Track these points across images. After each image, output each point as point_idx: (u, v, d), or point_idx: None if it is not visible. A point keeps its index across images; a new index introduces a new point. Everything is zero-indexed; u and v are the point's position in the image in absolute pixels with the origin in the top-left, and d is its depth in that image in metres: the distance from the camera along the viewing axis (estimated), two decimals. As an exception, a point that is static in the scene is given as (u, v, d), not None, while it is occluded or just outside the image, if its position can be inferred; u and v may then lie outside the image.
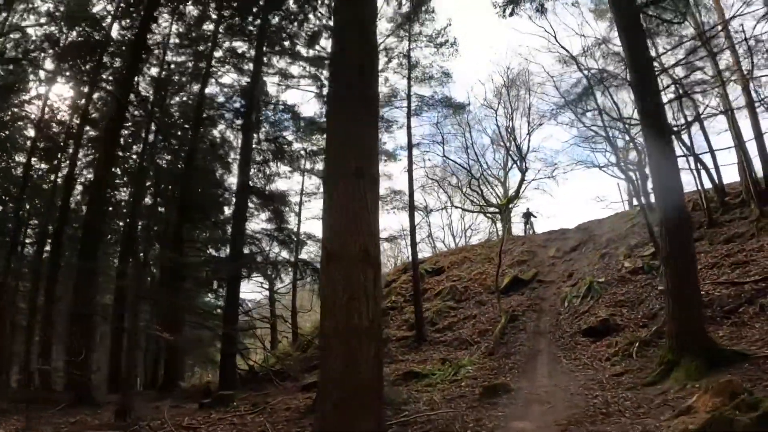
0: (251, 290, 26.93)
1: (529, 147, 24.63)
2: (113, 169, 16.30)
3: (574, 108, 13.12)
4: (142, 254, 16.00)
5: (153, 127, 16.22)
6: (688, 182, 15.75)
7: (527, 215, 21.50)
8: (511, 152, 24.40)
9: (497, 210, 23.97)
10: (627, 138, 14.13)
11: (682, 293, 6.88)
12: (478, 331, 12.50)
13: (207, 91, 16.43)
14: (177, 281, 14.67)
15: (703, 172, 13.54)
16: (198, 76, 16.30)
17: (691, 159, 13.58)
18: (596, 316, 10.67)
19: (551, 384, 7.49)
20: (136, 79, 13.88)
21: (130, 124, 15.59)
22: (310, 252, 19.58)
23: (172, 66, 16.98)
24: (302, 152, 18.98)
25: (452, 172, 25.31)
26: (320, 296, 3.81)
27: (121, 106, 12.40)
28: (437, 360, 11.21)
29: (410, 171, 15.36)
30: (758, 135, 12.66)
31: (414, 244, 15.12)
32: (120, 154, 16.34)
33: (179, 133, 17.00)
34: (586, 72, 12.28)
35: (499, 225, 24.64)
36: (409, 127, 15.93)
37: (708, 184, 13.67)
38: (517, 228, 23.98)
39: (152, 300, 13.56)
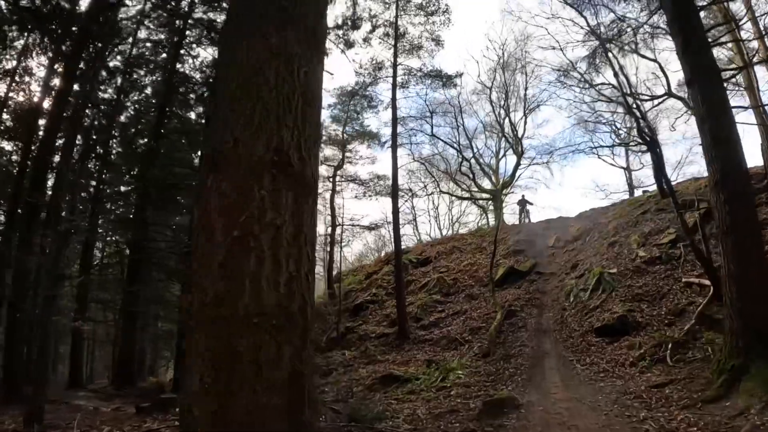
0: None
1: (525, 129, 23.18)
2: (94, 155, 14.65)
3: (581, 73, 11.43)
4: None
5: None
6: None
7: (522, 202, 19.78)
8: (506, 134, 22.73)
9: (490, 197, 22.18)
10: (639, 114, 12.43)
11: (748, 277, 5.21)
12: (469, 329, 10.91)
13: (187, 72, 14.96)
14: (139, 269, 13.64)
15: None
16: (170, 48, 14.52)
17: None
18: (610, 312, 9.03)
19: (571, 397, 5.70)
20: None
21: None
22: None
23: (148, 44, 15.28)
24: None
25: (439, 153, 23.54)
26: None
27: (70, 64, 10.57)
28: (421, 361, 9.75)
29: (394, 147, 13.74)
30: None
31: (397, 230, 13.40)
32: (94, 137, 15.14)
33: (152, 111, 15.27)
34: (596, 29, 10.60)
35: (490, 216, 22.89)
36: (394, 100, 14.54)
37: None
38: (511, 219, 22.32)
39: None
